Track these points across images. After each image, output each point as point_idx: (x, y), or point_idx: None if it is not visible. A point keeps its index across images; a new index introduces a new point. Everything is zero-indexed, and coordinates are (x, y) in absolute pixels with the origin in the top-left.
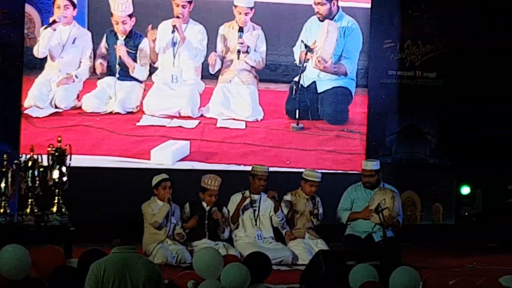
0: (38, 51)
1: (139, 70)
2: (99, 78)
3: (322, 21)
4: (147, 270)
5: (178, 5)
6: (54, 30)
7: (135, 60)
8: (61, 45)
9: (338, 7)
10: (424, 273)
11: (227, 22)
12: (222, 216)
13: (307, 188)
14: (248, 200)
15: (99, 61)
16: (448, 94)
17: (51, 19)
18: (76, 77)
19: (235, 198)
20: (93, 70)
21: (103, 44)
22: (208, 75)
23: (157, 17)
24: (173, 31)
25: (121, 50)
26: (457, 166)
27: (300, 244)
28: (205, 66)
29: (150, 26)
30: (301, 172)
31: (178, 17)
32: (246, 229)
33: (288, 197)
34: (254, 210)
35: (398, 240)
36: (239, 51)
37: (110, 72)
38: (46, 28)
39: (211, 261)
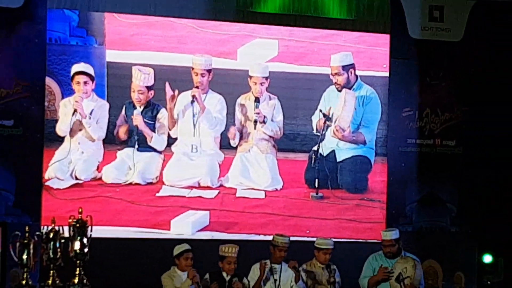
0: (60, 129)
1: (156, 140)
2: (118, 149)
3: (340, 91)
4: None
5: (197, 74)
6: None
7: (153, 130)
8: (80, 119)
9: (356, 76)
10: None
11: (244, 94)
12: (243, 286)
13: (322, 257)
14: (267, 268)
15: (120, 129)
16: (468, 161)
17: (73, 108)
18: (89, 118)
19: (256, 268)
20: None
21: (123, 114)
22: (227, 145)
23: (177, 88)
24: (192, 102)
25: (137, 119)
26: (478, 234)
27: None
28: (224, 136)
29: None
30: None
31: (197, 87)
32: None
33: (303, 267)
34: (275, 280)
35: None
36: (255, 121)
37: (129, 143)
38: (73, 114)
39: None
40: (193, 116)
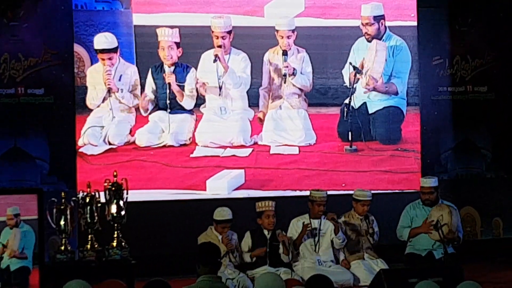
0: (91, 103)
1: (186, 99)
2: (150, 113)
3: (370, 41)
4: None
5: (217, 37)
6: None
7: (183, 90)
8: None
9: (385, 27)
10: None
11: (271, 48)
12: (288, 238)
13: (360, 208)
14: (309, 228)
15: (147, 98)
16: (500, 106)
17: (106, 87)
18: (122, 91)
19: (295, 223)
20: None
21: (149, 79)
22: (256, 103)
23: (202, 48)
24: (215, 61)
25: (171, 78)
26: None
27: (360, 266)
28: (251, 94)
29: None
30: None
31: (219, 46)
32: (306, 256)
33: (342, 219)
34: (315, 236)
35: (459, 256)
36: (285, 75)
37: (160, 106)
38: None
39: (273, 286)
40: (218, 78)
